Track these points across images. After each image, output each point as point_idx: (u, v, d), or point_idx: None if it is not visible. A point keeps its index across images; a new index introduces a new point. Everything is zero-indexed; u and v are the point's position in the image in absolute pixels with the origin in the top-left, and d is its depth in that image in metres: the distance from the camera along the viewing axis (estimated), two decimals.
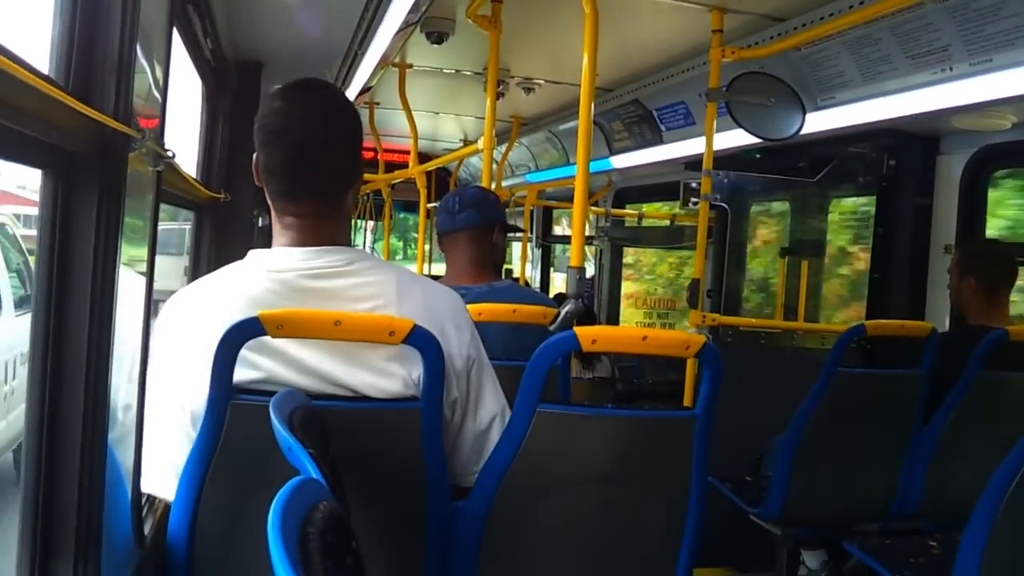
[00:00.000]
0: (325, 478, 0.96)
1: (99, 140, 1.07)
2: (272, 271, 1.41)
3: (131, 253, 1.27)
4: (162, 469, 1.42)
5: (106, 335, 1.13)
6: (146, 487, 1.44)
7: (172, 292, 1.48)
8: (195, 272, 3.18)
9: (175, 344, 1.41)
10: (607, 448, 1.56)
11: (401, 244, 12.73)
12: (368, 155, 5.52)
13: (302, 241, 1.44)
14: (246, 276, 1.43)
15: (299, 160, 1.41)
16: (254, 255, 1.45)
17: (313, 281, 1.41)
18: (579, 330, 1.47)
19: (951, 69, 2.59)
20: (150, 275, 1.38)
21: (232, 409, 1.34)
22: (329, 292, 1.40)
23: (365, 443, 1.41)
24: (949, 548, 2.05)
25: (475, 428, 1.54)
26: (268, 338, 1.33)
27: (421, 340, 1.38)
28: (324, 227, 1.44)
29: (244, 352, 1.32)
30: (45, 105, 0.88)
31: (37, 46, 1.07)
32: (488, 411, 1.55)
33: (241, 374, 1.34)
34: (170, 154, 1.28)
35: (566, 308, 2.10)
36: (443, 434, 1.48)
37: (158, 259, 1.47)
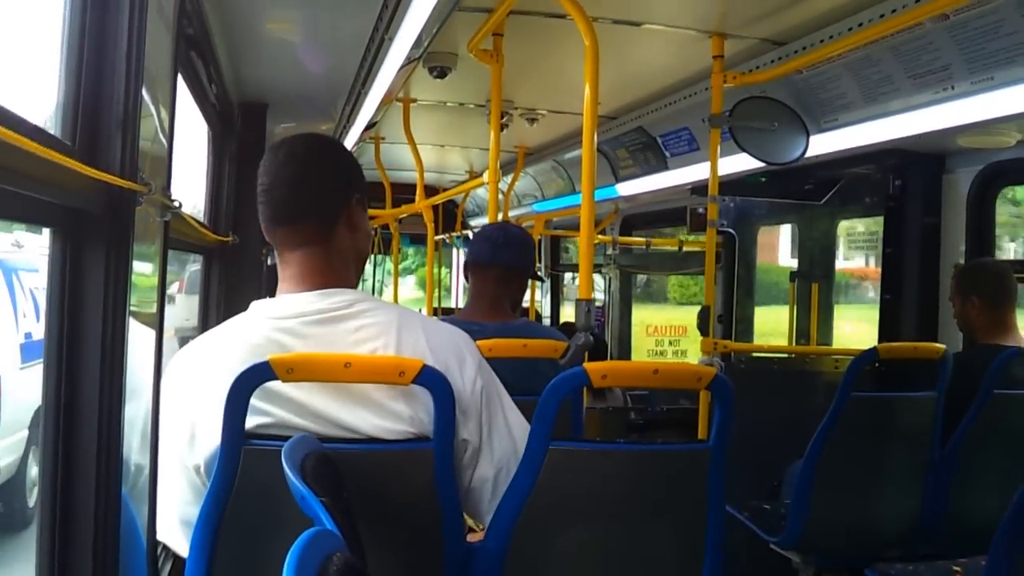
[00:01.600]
0: (339, 527, 0.96)
1: (106, 197, 1.07)
2: (274, 318, 1.43)
3: (141, 304, 1.27)
4: (173, 524, 1.43)
5: (117, 387, 1.13)
6: (161, 536, 1.44)
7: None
8: (205, 314, 3.18)
9: (181, 398, 1.41)
10: (622, 483, 1.55)
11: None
12: (374, 190, 5.54)
13: (303, 284, 1.46)
14: (248, 326, 1.45)
15: (277, 206, 1.48)
16: (256, 305, 1.48)
17: (314, 327, 1.42)
18: (589, 366, 1.47)
19: (953, 88, 2.59)
20: (160, 321, 1.39)
21: (245, 454, 1.34)
22: (330, 337, 1.41)
23: (378, 486, 1.40)
24: (974, 572, 2.02)
25: (491, 467, 1.52)
26: (273, 384, 1.34)
27: (431, 380, 1.38)
28: (321, 265, 1.47)
29: (251, 400, 1.33)
30: (53, 170, 0.88)
31: (40, 94, 1.08)
32: (504, 449, 1.53)
33: (250, 421, 1.35)
34: (176, 204, 1.28)
35: (575, 341, 2.10)
36: (457, 474, 1.47)
37: (187, 300, 1.49)
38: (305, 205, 1.48)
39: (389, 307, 1.52)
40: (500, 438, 1.53)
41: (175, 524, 1.43)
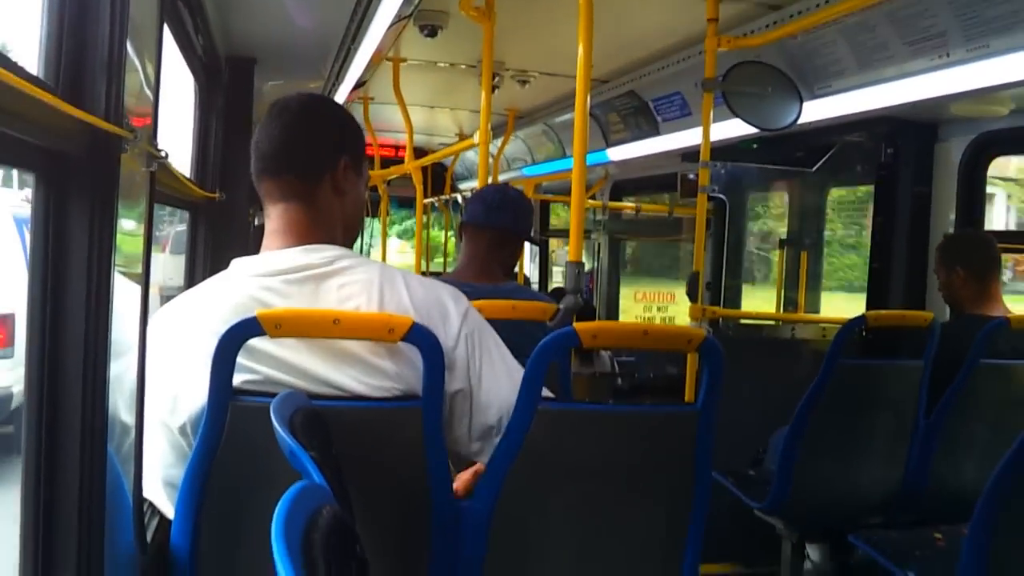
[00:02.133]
0: (328, 481, 0.95)
1: (90, 141, 1.05)
2: (256, 276, 1.42)
3: (126, 255, 1.25)
4: (157, 485, 1.43)
5: (103, 340, 1.11)
6: (147, 494, 1.44)
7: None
8: (191, 272, 3.15)
9: (162, 359, 1.39)
10: (609, 444, 1.55)
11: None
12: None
13: (285, 239, 1.46)
14: (230, 284, 1.44)
15: (263, 157, 1.50)
16: (237, 263, 1.47)
17: (296, 286, 1.41)
18: (579, 326, 1.46)
19: (948, 55, 2.58)
20: (146, 277, 1.37)
21: (232, 411, 1.33)
22: (313, 296, 1.41)
23: (366, 443, 1.40)
24: (955, 540, 2.04)
25: (489, 413, 1.51)
26: (259, 342, 1.34)
27: (420, 337, 1.37)
28: (303, 219, 1.47)
29: (239, 358, 1.32)
30: (35, 108, 0.86)
31: (25, 43, 1.05)
32: (498, 397, 1.51)
33: (236, 378, 1.34)
34: (163, 154, 1.26)
35: (565, 304, 2.09)
36: (449, 427, 1.47)
37: (174, 259, 1.48)
38: (287, 158, 1.48)
39: (371, 264, 1.50)
40: (494, 382, 1.51)
41: (159, 485, 1.43)
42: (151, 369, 1.38)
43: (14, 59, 0.84)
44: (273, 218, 1.49)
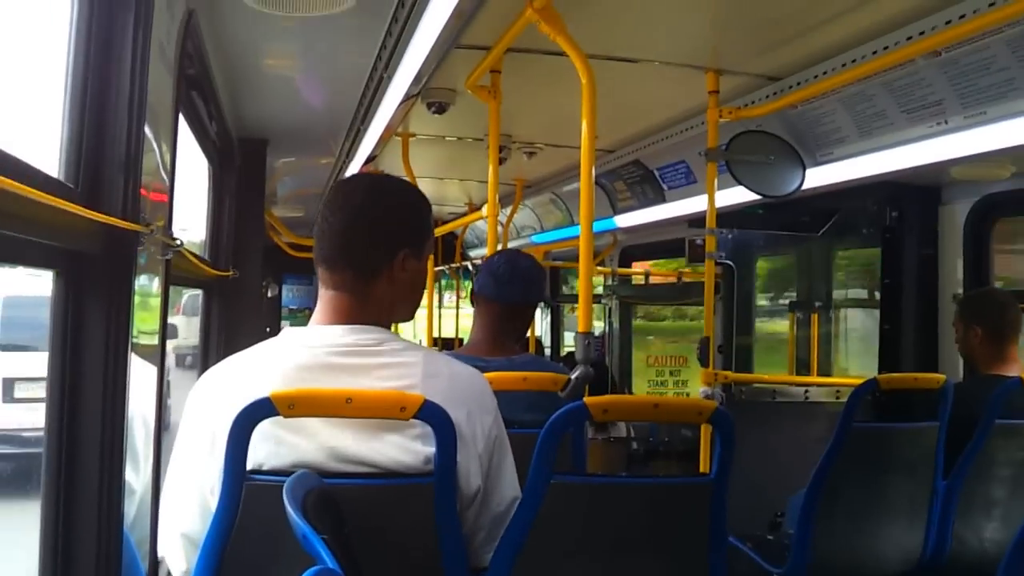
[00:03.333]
0: (340, 563, 0.96)
1: (108, 238, 1.08)
2: (306, 346, 1.45)
3: (142, 339, 1.28)
4: (175, 538, 1.43)
5: (119, 423, 1.14)
6: (161, 550, 1.44)
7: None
8: (206, 346, 3.19)
9: (206, 416, 1.42)
10: (623, 516, 1.55)
11: None
12: None
13: (332, 318, 1.48)
14: (280, 352, 1.46)
15: (322, 248, 1.51)
16: (289, 332, 1.50)
17: (344, 358, 1.43)
18: (590, 400, 1.47)
19: (946, 122, 2.62)
20: (161, 358, 1.40)
21: (247, 490, 1.34)
22: (359, 368, 1.43)
23: (379, 521, 1.40)
24: None
25: (495, 510, 1.52)
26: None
27: (432, 415, 1.38)
28: (352, 307, 1.48)
29: (269, 428, 1.34)
30: (55, 213, 0.89)
31: (42, 137, 1.09)
32: (507, 494, 1.53)
33: (262, 451, 1.36)
34: (178, 243, 1.30)
35: (576, 374, 2.10)
36: (462, 514, 1.47)
37: (186, 320, 1.50)
38: (346, 255, 1.49)
39: (416, 348, 1.53)
40: (505, 483, 1.53)
41: (176, 538, 1.42)
42: (197, 424, 1.40)
43: (35, 164, 0.88)
44: (324, 300, 1.50)
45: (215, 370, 1.49)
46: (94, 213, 0.97)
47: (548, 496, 1.48)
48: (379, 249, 1.50)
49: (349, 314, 1.48)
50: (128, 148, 1.08)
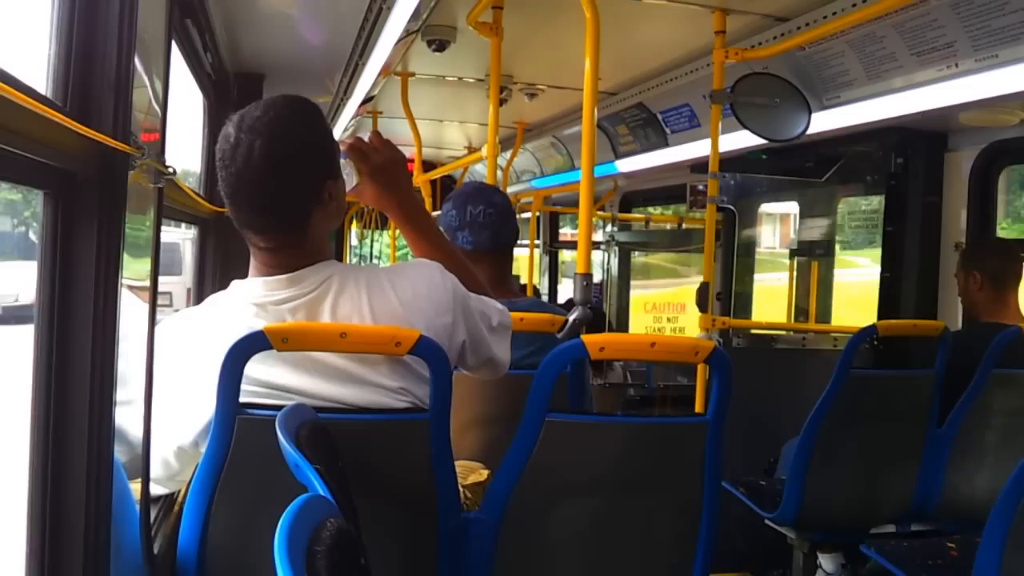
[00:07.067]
0: (333, 494, 0.95)
1: (99, 159, 1.06)
2: (254, 304, 1.41)
3: (134, 270, 1.26)
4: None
5: (109, 353, 1.12)
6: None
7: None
8: (199, 286, 3.17)
9: (170, 374, 1.40)
10: (618, 456, 1.55)
11: None
12: None
13: (271, 269, 1.42)
14: (232, 310, 1.43)
15: (242, 194, 1.37)
16: (236, 286, 1.45)
17: (291, 315, 1.40)
18: (587, 338, 1.46)
19: (957, 66, 2.57)
20: (154, 291, 1.37)
21: (239, 424, 1.33)
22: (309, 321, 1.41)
23: (373, 456, 1.40)
24: (968, 549, 2.02)
25: (488, 326, 1.57)
26: (266, 365, 1.35)
27: (427, 350, 1.37)
28: (290, 256, 1.42)
29: (244, 379, 1.33)
30: (44, 126, 0.87)
31: (33, 58, 1.06)
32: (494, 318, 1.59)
33: (244, 397, 1.35)
34: (171, 170, 1.27)
35: (573, 315, 2.09)
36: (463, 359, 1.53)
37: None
38: (273, 214, 1.39)
39: (356, 274, 1.46)
40: (483, 328, 1.57)
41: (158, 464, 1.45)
42: (161, 382, 1.39)
43: (22, 79, 0.85)
44: (258, 254, 1.43)
45: (172, 328, 1.45)
46: (85, 129, 0.94)
47: (543, 435, 1.48)
48: (305, 194, 1.40)
49: (287, 263, 1.41)
50: (119, 68, 1.05)
